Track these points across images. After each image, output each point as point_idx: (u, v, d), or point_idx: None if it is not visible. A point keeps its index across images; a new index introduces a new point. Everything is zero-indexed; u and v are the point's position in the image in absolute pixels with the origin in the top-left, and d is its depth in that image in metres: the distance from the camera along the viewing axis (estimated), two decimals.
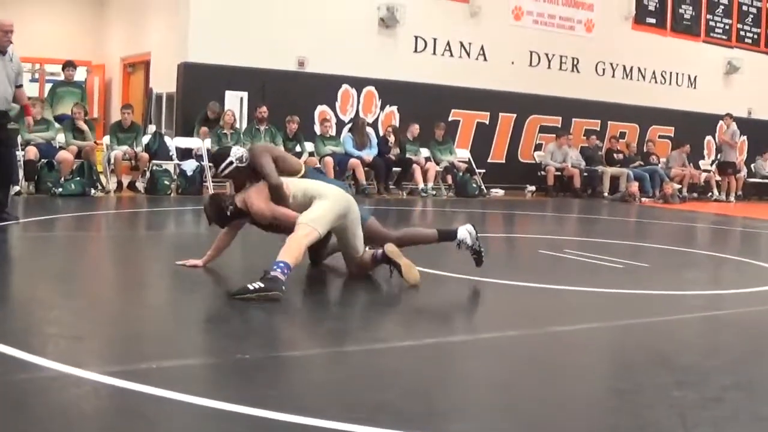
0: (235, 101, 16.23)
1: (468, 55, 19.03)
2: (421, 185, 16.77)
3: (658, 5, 21.83)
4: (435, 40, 18.56)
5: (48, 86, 18.57)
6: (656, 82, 22.03)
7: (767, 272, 8.72)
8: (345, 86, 17.54)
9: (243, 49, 16.06)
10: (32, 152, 13.30)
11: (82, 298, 5.92)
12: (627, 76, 21.53)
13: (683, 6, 22.35)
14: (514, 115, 19.69)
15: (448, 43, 18.75)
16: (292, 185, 6.44)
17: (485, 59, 19.22)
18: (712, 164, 22.41)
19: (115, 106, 19.02)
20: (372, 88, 17.84)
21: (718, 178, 21.43)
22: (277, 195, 6.36)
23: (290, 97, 16.30)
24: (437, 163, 17.43)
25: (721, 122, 21.80)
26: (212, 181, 14.91)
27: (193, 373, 4.07)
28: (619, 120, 21.27)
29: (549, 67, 20.21)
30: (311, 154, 15.94)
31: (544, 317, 5.84)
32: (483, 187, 17.69)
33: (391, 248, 6.46)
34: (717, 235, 13.79)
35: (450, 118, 18.68)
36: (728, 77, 23.24)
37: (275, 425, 3.34)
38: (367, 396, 3.87)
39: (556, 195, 18.78)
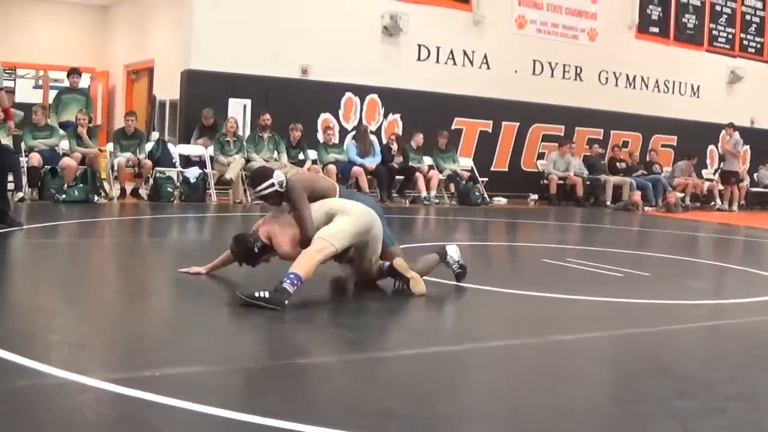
0: (238, 109, 16.24)
1: (471, 63, 19.05)
2: (424, 193, 16.76)
3: (661, 14, 21.85)
4: (438, 48, 18.58)
5: (51, 93, 18.63)
6: (659, 91, 22.05)
7: None
8: (348, 94, 17.56)
9: (246, 56, 16.08)
10: (35, 159, 13.32)
11: (85, 304, 5.92)
12: (630, 85, 21.54)
13: (686, 15, 22.38)
14: (517, 124, 19.70)
15: (452, 52, 18.77)
16: (316, 211, 6.41)
17: (488, 68, 19.24)
18: (714, 173, 22.40)
19: (118, 112, 19.06)
20: (375, 96, 17.86)
21: (720, 187, 21.41)
22: (301, 225, 6.38)
23: (293, 105, 16.31)
24: (440, 172, 17.43)
25: (723, 132, 21.80)
26: (215, 189, 14.94)
27: (197, 381, 4.07)
28: (621, 129, 21.28)
29: (552, 75, 20.22)
30: (314, 162, 15.95)
31: (547, 326, 5.84)
32: (486, 195, 17.69)
33: (399, 262, 6.47)
34: (719, 245, 13.79)
35: (453, 127, 18.69)
36: (731, 86, 23.25)
37: None
38: (373, 404, 3.88)
39: (558, 204, 18.77)
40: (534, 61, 19.95)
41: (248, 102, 16.39)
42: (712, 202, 21.23)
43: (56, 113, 14.92)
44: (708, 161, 23.17)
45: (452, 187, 17.68)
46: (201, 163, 15.15)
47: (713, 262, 10.78)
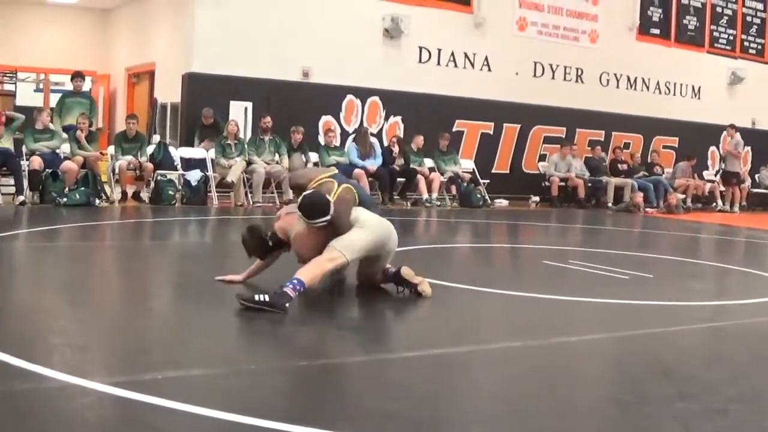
0: (239, 111, 16.25)
1: (472, 65, 19.05)
2: (426, 196, 16.76)
3: (662, 16, 21.84)
4: (439, 50, 18.58)
5: (52, 96, 18.65)
6: (660, 92, 22.04)
7: None
8: (349, 97, 17.56)
9: (247, 59, 16.08)
10: (37, 162, 13.31)
11: (87, 308, 5.93)
12: (631, 86, 21.53)
13: (687, 17, 22.37)
14: (519, 126, 19.70)
15: (453, 54, 18.77)
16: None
17: (489, 70, 19.24)
18: (716, 175, 22.38)
19: (119, 116, 19.06)
20: (376, 99, 17.85)
21: (722, 188, 21.40)
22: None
23: (295, 108, 16.31)
24: (441, 174, 17.43)
25: (725, 133, 21.81)
26: (216, 192, 14.94)
27: (199, 384, 4.08)
28: (623, 130, 21.27)
29: (553, 77, 20.22)
30: (315, 165, 15.95)
31: (549, 328, 5.84)
32: (487, 197, 17.68)
33: (407, 271, 6.48)
34: (721, 246, 13.79)
35: (454, 129, 18.68)
36: (732, 88, 23.24)
37: None
38: (375, 406, 3.88)
39: (560, 205, 18.77)
40: (535, 63, 19.95)
41: (249, 105, 16.39)
42: (714, 204, 21.22)
43: (60, 117, 14.91)
44: (709, 162, 23.16)
45: (453, 189, 17.68)
46: (202, 166, 15.15)
47: (714, 263, 10.78)
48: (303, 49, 16.66)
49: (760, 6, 24.02)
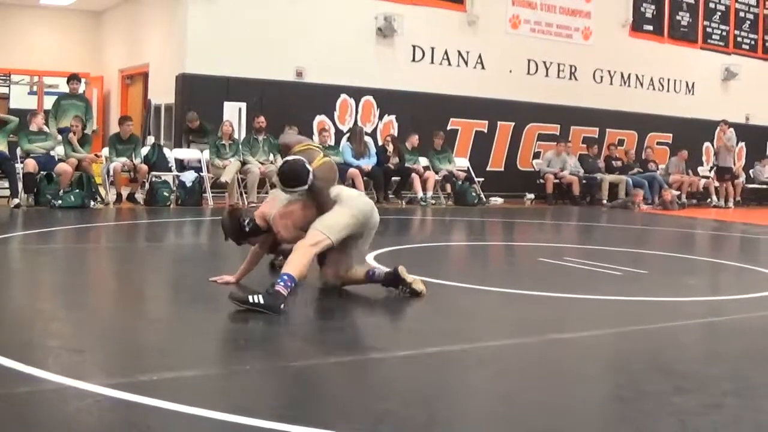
0: (233, 112, 16.25)
1: (466, 63, 19.06)
2: (420, 194, 16.78)
3: (655, 12, 21.87)
4: (433, 49, 18.59)
5: (46, 98, 18.63)
6: (654, 89, 22.07)
7: (767, 278, 8.72)
8: (343, 96, 17.56)
9: (241, 59, 16.08)
10: (31, 164, 13.31)
11: (82, 310, 5.92)
12: (625, 83, 21.56)
13: (680, 13, 22.40)
14: (513, 124, 19.71)
15: (446, 52, 18.78)
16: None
17: (483, 68, 19.25)
18: (710, 170, 22.41)
19: (113, 117, 19.04)
20: (370, 98, 17.86)
21: (716, 184, 21.43)
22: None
23: (289, 108, 16.30)
24: (436, 172, 17.43)
25: (718, 129, 21.82)
26: (211, 192, 14.94)
27: (195, 385, 4.08)
28: (617, 127, 21.30)
29: (547, 75, 20.24)
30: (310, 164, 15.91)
31: (545, 325, 5.85)
32: (482, 195, 17.71)
33: (403, 269, 6.42)
34: (716, 242, 13.81)
35: (448, 127, 18.70)
36: (726, 83, 23.28)
37: None
38: (369, 405, 3.88)
39: (555, 203, 18.80)
40: (528, 61, 19.97)
41: (243, 105, 16.39)
42: (709, 199, 21.25)
43: (55, 119, 14.90)
44: (704, 158, 23.19)
45: (448, 187, 17.70)
46: (196, 167, 15.16)
47: (710, 259, 10.79)
48: (296, 49, 16.67)
49: (752, 1, 24.07)
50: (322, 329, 5.67)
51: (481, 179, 18.16)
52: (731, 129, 21.56)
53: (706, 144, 23.12)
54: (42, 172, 13.41)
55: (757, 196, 22.46)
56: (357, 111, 17.74)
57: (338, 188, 6.41)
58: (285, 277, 5.66)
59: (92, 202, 13.44)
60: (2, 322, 5.27)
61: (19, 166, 13.46)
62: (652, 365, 4.80)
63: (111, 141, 14.83)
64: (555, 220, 15.84)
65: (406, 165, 16.97)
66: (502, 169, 19.70)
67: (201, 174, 14.92)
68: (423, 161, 17.51)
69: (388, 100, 17.99)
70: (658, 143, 21.89)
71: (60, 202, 12.96)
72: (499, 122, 19.53)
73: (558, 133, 20.05)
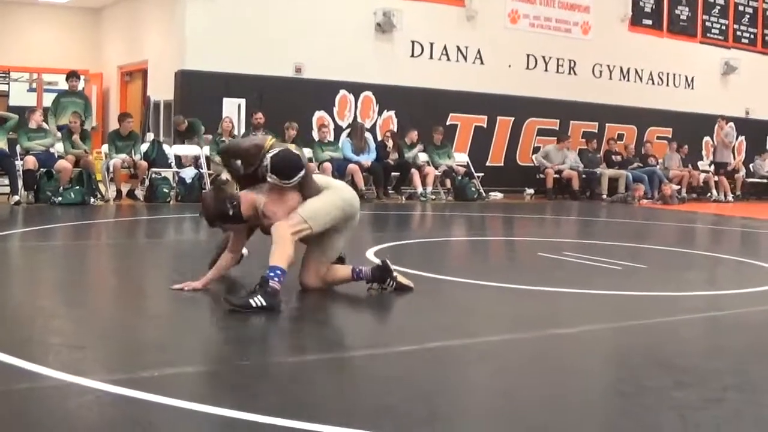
0: (233, 108, 16.24)
1: (465, 58, 19.05)
2: (420, 189, 16.77)
3: (654, 7, 21.85)
4: (432, 44, 18.59)
5: (46, 95, 18.62)
6: (653, 83, 22.05)
7: (766, 272, 8.72)
8: (342, 92, 17.57)
9: (240, 56, 16.08)
10: (31, 162, 13.31)
11: (83, 306, 5.93)
12: (624, 77, 21.55)
13: (679, 7, 22.38)
14: (512, 119, 19.71)
15: (445, 48, 18.77)
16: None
17: (482, 63, 19.24)
18: (710, 165, 22.40)
19: (113, 114, 19.03)
20: (369, 94, 17.86)
21: (716, 178, 21.42)
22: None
23: (288, 104, 16.30)
24: (436, 168, 17.43)
25: (717, 125, 21.83)
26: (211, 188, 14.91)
27: (195, 381, 4.09)
28: (616, 122, 21.28)
29: (546, 69, 20.23)
30: (310, 160, 15.93)
31: (544, 320, 5.85)
32: (482, 190, 17.70)
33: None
34: (716, 236, 13.81)
35: (448, 122, 18.70)
36: (725, 78, 23.26)
37: (278, 431, 3.35)
38: (369, 401, 3.88)
39: (554, 197, 18.80)
40: (528, 56, 19.95)
41: (243, 101, 16.39)
42: (708, 194, 21.24)
43: (55, 116, 14.89)
44: (704, 153, 23.17)
45: (448, 182, 17.70)
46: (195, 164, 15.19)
47: (710, 253, 10.79)
48: (295, 45, 16.67)
49: None
50: (321, 325, 5.67)
51: (481, 174, 18.16)
52: (730, 124, 21.58)
53: (706, 138, 23.10)
54: (42, 169, 13.42)
55: (757, 191, 22.43)
56: (356, 106, 17.74)
57: (327, 178, 6.36)
58: (277, 271, 5.55)
59: (92, 199, 13.44)
60: (3, 318, 5.27)
61: (18, 163, 13.46)
62: (653, 360, 4.80)
63: (110, 137, 14.82)
64: (555, 215, 15.84)
65: (407, 160, 16.96)
66: (502, 164, 19.70)
67: (201, 170, 14.92)
68: (422, 156, 17.50)
69: (388, 96, 17.98)
70: (657, 138, 21.87)
71: (60, 198, 12.97)
72: (498, 117, 19.53)
73: (557, 128, 20.05)
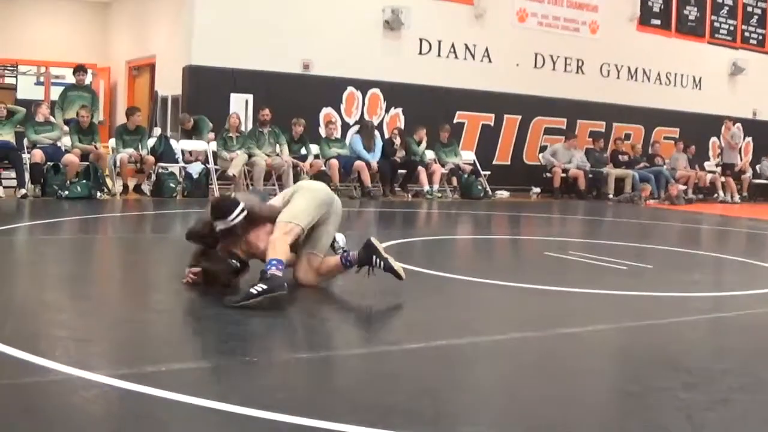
0: (240, 104, 16.24)
1: (473, 57, 19.04)
2: (427, 187, 16.77)
3: (662, 6, 21.83)
4: (440, 42, 18.58)
5: (53, 89, 18.63)
6: (661, 83, 22.03)
7: None
8: (350, 89, 17.57)
9: (248, 51, 16.09)
10: (38, 155, 13.34)
11: (89, 300, 5.93)
12: (632, 77, 21.53)
13: (688, 7, 22.35)
14: (519, 117, 19.71)
15: (453, 45, 18.76)
16: (277, 200, 6.25)
17: (490, 61, 19.24)
18: (717, 166, 22.38)
19: (120, 108, 19.06)
20: (377, 91, 17.86)
21: (723, 179, 21.39)
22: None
23: (295, 100, 16.30)
24: (442, 165, 17.42)
25: (724, 126, 21.82)
26: (218, 184, 14.94)
27: (202, 376, 4.08)
28: (623, 121, 21.27)
29: (554, 68, 20.22)
30: (316, 157, 15.95)
31: (550, 319, 5.84)
32: (488, 188, 17.70)
33: (375, 240, 6.24)
34: (722, 237, 13.79)
35: (455, 120, 18.69)
36: (733, 78, 23.24)
37: (285, 428, 3.35)
38: (377, 398, 3.88)
39: (561, 197, 18.78)
40: (536, 54, 19.95)
41: (250, 97, 16.39)
42: (715, 194, 21.21)
43: (62, 110, 14.90)
44: (710, 153, 23.15)
45: (455, 180, 17.69)
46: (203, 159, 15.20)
47: (716, 254, 10.77)
48: (303, 42, 16.67)
49: None
50: (328, 322, 5.67)
51: (487, 173, 18.17)
52: (737, 125, 21.56)
53: (713, 139, 23.08)
54: (48, 163, 13.43)
55: (764, 192, 22.39)
56: (363, 104, 17.74)
57: (297, 184, 6.40)
58: (273, 261, 5.54)
59: (99, 193, 13.45)
60: (10, 312, 5.28)
61: (25, 156, 13.49)
62: (659, 360, 4.79)
63: (118, 132, 14.84)
64: (561, 214, 15.83)
65: (415, 158, 16.95)
66: (509, 162, 19.70)
67: (207, 166, 14.92)
68: (429, 154, 17.49)
69: (395, 93, 17.98)
70: (665, 138, 21.85)
71: (66, 192, 12.98)
72: (505, 116, 19.53)
73: (564, 127, 20.04)
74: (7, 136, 13.53)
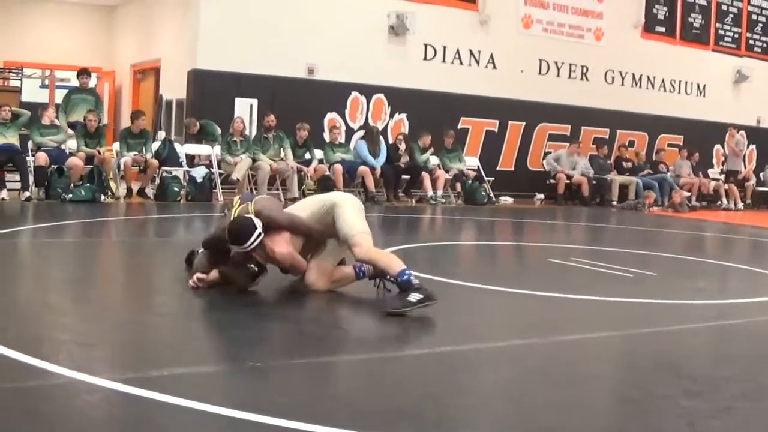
0: (245, 108, 16.26)
1: (477, 63, 19.05)
2: (430, 193, 16.77)
3: (667, 14, 21.83)
4: (444, 47, 18.59)
5: (58, 92, 18.66)
6: (665, 90, 22.03)
7: None
8: (354, 94, 17.58)
9: (253, 56, 16.10)
10: (42, 158, 13.36)
11: (93, 304, 5.94)
12: (636, 84, 21.53)
13: (692, 14, 22.35)
14: (523, 123, 19.71)
15: (458, 51, 18.77)
16: (300, 210, 6.32)
17: (494, 67, 19.25)
18: (721, 173, 22.37)
19: (125, 112, 19.09)
20: (381, 96, 17.87)
21: (726, 186, 21.38)
22: (298, 228, 6.18)
23: (300, 105, 16.31)
24: (446, 171, 17.42)
25: (728, 134, 21.82)
26: (222, 188, 14.95)
27: (206, 381, 4.08)
28: (628, 128, 21.28)
29: (558, 75, 20.22)
30: (320, 162, 15.96)
31: (553, 326, 5.84)
32: (492, 194, 17.70)
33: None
34: (726, 244, 13.78)
35: (459, 126, 18.71)
36: (737, 86, 23.23)
37: None
38: (381, 403, 3.88)
39: (564, 203, 18.77)
40: (540, 61, 19.95)
41: (255, 102, 16.41)
42: (719, 202, 21.20)
43: (65, 113, 14.93)
44: (714, 161, 23.14)
45: (458, 186, 17.69)
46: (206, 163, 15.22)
47: (719, 261, 10.76)
48: (308, 46, 16.69)
49: (765, 4, 24.03)
50: (333, 327, 5.67)
51: (491, 179, 18.17)
52: (741, 133, 21.56)
53: (717, 146, 23.08)
54: (53, 166, 13.45)
55: (767, 200, 22.37)
56: (368, 109, 17.75)
57: (325, 197, 6.44)
58: (405, 274, 5.78)
59: (103, 197, 13.46)
60: (13, 315, 5.28)
61: (30, 159, 13.51)
62: (662, 367, 4.79)
63: (122, 135, 14.85)
64: (565, 221, 15.82)
65: (420, 164, 16.95)
66: (512, 168, 19.70)
67: (211, 170, 14.93)
68: (433, 160, 17.49)
69: (400, 99, 17.99)
70: (668, 145, 21.85)
71: (70, 195, 13.00)
72: (509, 122, 19.53)
73: (569, 134, 20.04)
74: (12, 138, 13.54)
